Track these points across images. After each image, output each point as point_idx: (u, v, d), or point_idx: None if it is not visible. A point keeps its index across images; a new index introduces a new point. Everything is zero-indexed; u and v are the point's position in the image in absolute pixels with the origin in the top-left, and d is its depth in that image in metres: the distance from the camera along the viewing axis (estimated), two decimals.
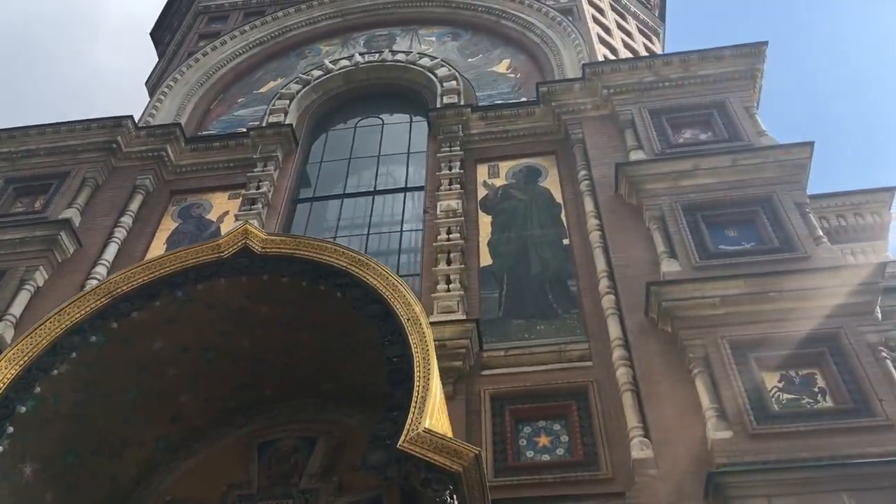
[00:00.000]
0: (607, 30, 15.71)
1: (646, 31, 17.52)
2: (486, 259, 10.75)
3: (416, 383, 5.47)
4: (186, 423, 7.73)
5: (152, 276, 6.83)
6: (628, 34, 16.50)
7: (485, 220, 11.40)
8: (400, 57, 14.93)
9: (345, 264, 6.62)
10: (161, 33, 20.57)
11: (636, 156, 11.05)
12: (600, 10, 16.32)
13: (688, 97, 11.95)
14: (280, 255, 6.86)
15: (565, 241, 10.75)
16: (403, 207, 12.11)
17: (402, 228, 11.71)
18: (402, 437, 5.16)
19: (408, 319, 6.01)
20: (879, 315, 8.52)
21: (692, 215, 9.94)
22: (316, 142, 14.05)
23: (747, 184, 10.19)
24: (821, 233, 9.51)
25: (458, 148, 12.28)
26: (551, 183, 11.84)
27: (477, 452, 5.15)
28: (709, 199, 10.09)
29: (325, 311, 6.89)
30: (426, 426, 5.13)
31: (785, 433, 7.38)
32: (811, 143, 10.45)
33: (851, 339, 8.04)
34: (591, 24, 15.14)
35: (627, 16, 17.27)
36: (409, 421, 5.25)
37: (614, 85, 12.25)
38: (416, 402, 5.32)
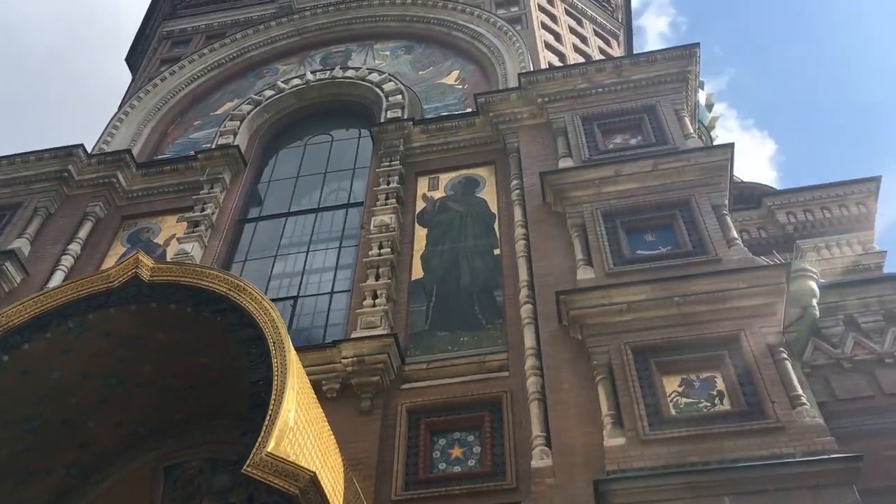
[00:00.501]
0: (558, 36, 15.78)
1: (604, 34, 17.56)
2: (418, 272, 10.89)
3: (269, 407, 5.63)
4: (97, 449, 7.94)
5: (44, 307, 7.04)
6: (583, 39, 16.55)
7: (420, 234, 11.54)
8: (350, 73, 15.11)
9: (224, 290, 6.80)
10: (135, 59, 20.90)
11: (565, 163, 11.13)
12: (552, 17, 16.40)
13: (620, 102, 12.01)
14: (167, 283, 7.05)
15: (496, 252, 10.86)
16: (344, 224, 12.26)
17: (340, 245, 11.86)
18: (247, 462, 5.32)
19: (273, 343, 6.17)
20: (784, 315, 8.58)
21: (612, 221, 10.01)
22: (269, 161, 14.26)
23: (668, 188, 10.25)
24: (735, 234, 9.54)
25: (398, 162, 12.42)
26: (488, 193, 11.95)
27: (312, 474, 5.29)
28: (629, 205, 10.15)
29: (214, 335, 7.07)
30: (269, 450, 5.28)
31: (677, 438, 7.44)
32: (731, 145, 10.50)
33: (751, 341, 8.09)
34: (538, 31, 15.22)
35: (584, 20, 17.32)
36: (256, 445, 5.41)
37: (549, 93, 12.34)
38: (266, 426, 5.47)
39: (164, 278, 7.06)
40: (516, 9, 16.09)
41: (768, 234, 23.63)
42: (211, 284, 6.84)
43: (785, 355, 8.00)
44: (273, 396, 5.72)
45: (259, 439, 5.42)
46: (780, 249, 23.70)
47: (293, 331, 10.51)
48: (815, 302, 11.33)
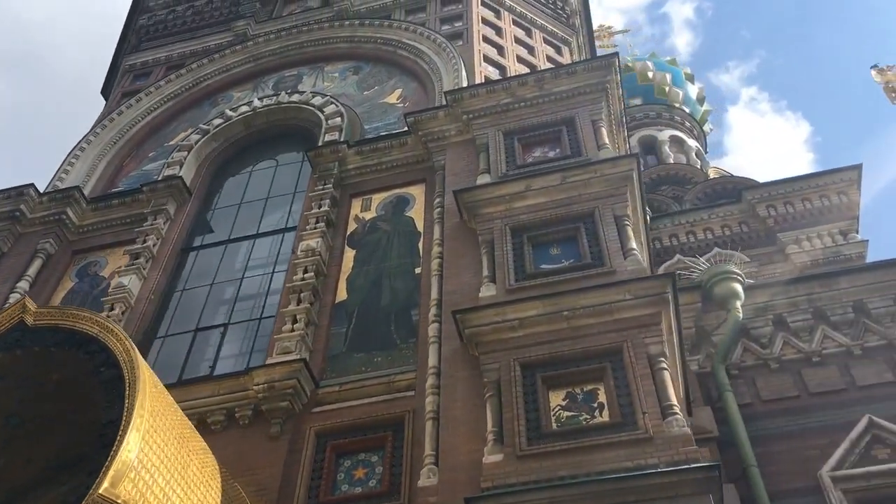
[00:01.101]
0: (500, 49, 15.95)
1: (554, 42, 17.66)
2: (342, 295, 11.16)
3: (113, 448, 5.91)
4: (8, 485, 8.27)
5: None
6: (530, 49, 16.69)
7: (349, 255, 11.81)
8: (295, 98, 15.40)
9: (96, 331, 7.10)
10: (108, 92, 21.45)
11: (482, 180, 11.33)
12: (497, 30, 16.57)
13: (541, 116, 12.17)
14: (48, 327, 7.37)
15: (417, 271, 11.08)
16: (279, 249, 12.55)
17: (273, 271, 12.15)
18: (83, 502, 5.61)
19: (128, 383, 6.46)
20: (670, 323, 8.69)
21: (519, 237, 10.18)
22: (217, 188, 14.60)
23: (574, 200, 10.39)
24: (633, 245, 9.62)
25: (331, 185, 12.69)
26: (416, 212, 12.18)
27: None
28: (537, 219, 10.32)
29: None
30: (100, 491, 5.56)
31: (553, 452, 7.60)
32: (636, 156, 10.64)
33: (633, 353, 8.22)
34: (478, 46, 15.42)
35: (534, 29, 17.45)
36: (93, 486, 5.69)
37: (473, 110, 12.54)
38: (105, 467, 5.75)
39: (46, 322, 7.38)
40: (460, 24, 16.32)
41: (749, 229, 23.70)
42: (84, 326, 7.15)
43: (664, 365, 8.09)
44: (120, 435, 5.99)
45: (98, 480, 5.70)
46: (761, 243, 23.79)
47: (219, 359, 10.88)
48: (738, 304, 11.48)
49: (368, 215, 12.45)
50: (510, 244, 10.03)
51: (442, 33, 16.05)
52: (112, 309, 11.52)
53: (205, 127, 15.33)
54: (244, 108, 15.56)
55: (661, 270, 22.75)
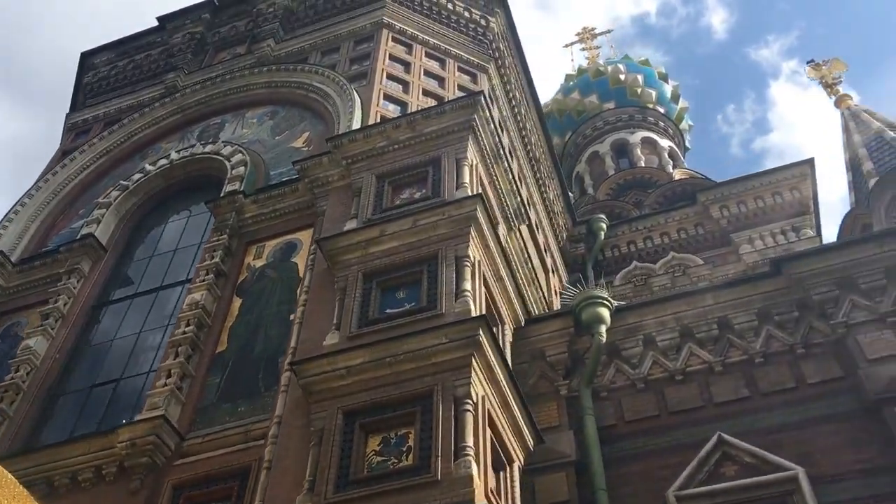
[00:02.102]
0: (406, 85, 16.34)
1: (470, 69, 17.98)
2: (223, 345, 11.71)
3: None
4: None
5: None
6: (441, 81, 17.05)
7: (236, 305, 12.36)
8: (209, 148, 16.00)
9: None
10: None
11: (349, 225, 11.79)
12: (406, 65, 16.97)
13: (412, 157, 12.58)
14: None
15: (291, 318, 11.58)
16: (177, 302, 13.15)
17: (167, 324, 12.76)
18: None
19: None
20: (489, 361, 9.07)
21: (370, 282, 10.62)
22: (135, 243, 15.29)
23: (424, 243, 10.80)
24: (468, 286, 9.97)
25: (226, 235, 13.24)
26: (301, 257, 12.67)
27: None
28: (389, 264, 10.74)
29: None
30: None
31: (356, 499, 8.04)
32: (479, 196, 11.00)
33: (441, 396, 8.61)
34: (378, 85, 15.85)
35: (448, 59, 17.83)
36: None
37: (351, 154, 13.00)
38: None
39: None
40: (367, 63, 16.79)
41: (705, 231, 23.91)
42: None
43: (468, 407, 8.48)
44: None
45: None
46: (717, 244, 23.95)
47: (108, 415, 11.52)
48: (603, 329, 11.79)
49: (259, 263, 12.99)
50: (360, 290, 10.48)
51: (349, 73, 16.56)
52: (17, 371, 12.27)
53: (125, 183, 16.04)
54: (163, 161, 16.24)
55: (618, 278, 23.10)
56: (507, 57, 19.99)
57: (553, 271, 21.36)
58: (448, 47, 18.21)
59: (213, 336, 11.79)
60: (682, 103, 34.86)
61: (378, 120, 14.75)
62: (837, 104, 20.31)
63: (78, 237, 14.86)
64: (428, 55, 17.79)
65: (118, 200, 15.62)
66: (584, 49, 42.74)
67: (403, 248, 10.83)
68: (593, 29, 44.19)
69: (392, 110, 15.42)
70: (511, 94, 20.19)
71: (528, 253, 14.78)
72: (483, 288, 10.65)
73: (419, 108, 15.48)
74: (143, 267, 14.60)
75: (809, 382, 10.63)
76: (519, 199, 13.83)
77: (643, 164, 30.57)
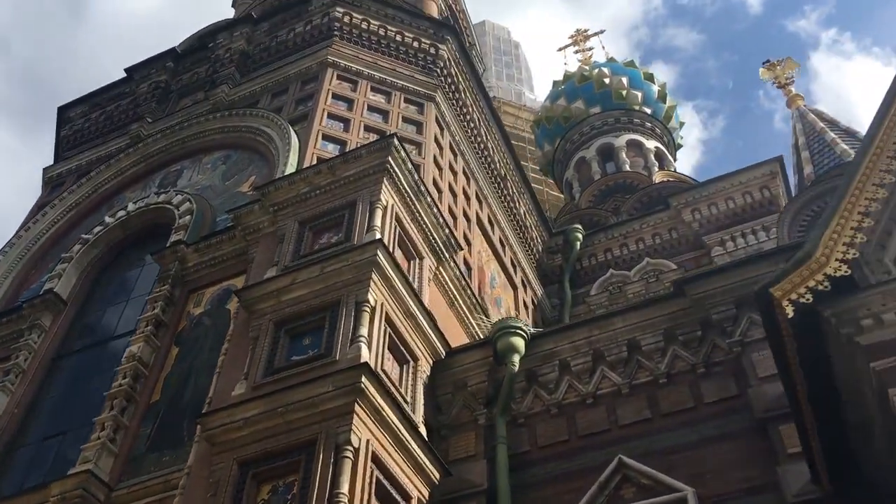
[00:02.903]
0: (347, 123, 16.84)
1: (417, 99, 18.46)
2: (157, 395, 12.37)
3: None
4: None
5: None
6: (385, 115, 17.49)
7: (173, 354, 13.01)
8: (162, 198, 16.69)
9: None
10: None
11: (270, 273, 12.36)
12: (349, 102, 17.47)
13: (332, 201, 13.09)
14: None
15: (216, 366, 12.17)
16: (122, 354, 13.83)
17: (112, 377, 13.43)
18: None
19: None
20: (376, 405, 9.54)
21: (279, 331, 11.17)
22: (93, 295, 16.06)
23: (329, 290, 11.31)
24: (363, 332, 10.46)
25: (168, 285, 13.91)
26: (234, 304, 13.28)
27: None
28: (297, 312, 11.28)
29: None
30: None
31: None
32: (379, 241, 11.48)
33: (323, 443, 9.12)
34: (318, 126, 16.36)
35: (394, 92, 18.27)
36: None
37: (277, 202, 13.56)
38: None
39: None
40: (311, 103, 17.36)
41: (679, 235, 24.14)
42: None
43: (347, 454, 8.96)
44: None
45: None
46: (690, 248, 24.15)
47: (53, 469, 12.23)
48: (516, 358, 12.19)
49: (198, 310, 13.65)
50: (270, 339, 11.04)
51: (293, 115, 17.14)
52: None
53: (86, 236, 16.81)
54: (121, 213, 17.00)
55: (594, 287, 23.37)
56: (460, 82, 20.42)
57: (525, 285, 21.74)
58: (394, 80, 18.69)
59: (149, 386, 12.45)
60: (669, 102, 34.86)
61: (314, 161, 15.28)
62: (789, 104, 20.34)
63: (41, 292, 15.67)
64: (374, 89, 18.29)
65: (79, 254, 16.38)
66: (577, 52, 43.03)
67: (311, 296, 11.36)
68: (586, 31, 44.48)
69: (331, 150, 15.94)
70: (469, 118, 20.64)
71: (465, 280, 15.18)
72: (387, 329, 11.11)
73: (358, 145, 16.02)
74: (100, 318, 15.35)
75: (706, 402, 10.92)
76: (448, 230, 14.23)
77: (628, 168, 30.74)
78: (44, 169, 21.01)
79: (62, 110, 22.30)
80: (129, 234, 16.81)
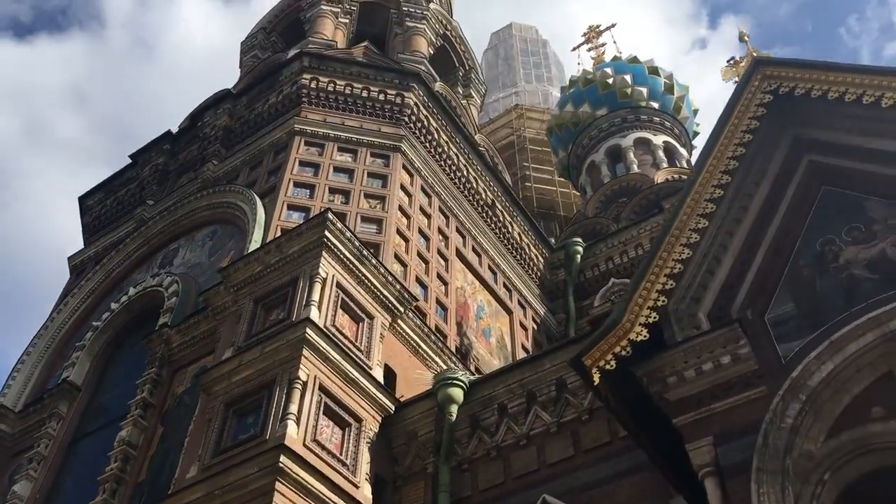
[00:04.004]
0: (312, 189, 18.01)
1: (384, 152, 19.46)
2: (143, 475, 13.79)
3: None
4: None
5: None
6: (350, 174, 18.49)
7: (158, 433, 14.44)
8: (155, 281, 18.19)
9: None
10: None
11: (226, 354, 13.60)
12: (315, 168, 18.59)
13: (281, 278, 14.20)
14: None
15: None
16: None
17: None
18: None
19: None
20: (300, 481, 10.59)
21: (228, 411, 12.38)
22: (106, 378, 17.70)
23: (269, 369, 12.46)
24: (293, 410, 11.52)
25: (154, 368, 15.34)
26: None
27: None
28: (243, 392, 12.47)
29: None
30: None
31: None
32: (307, 320, 12.53)
33: None
34: (284, 197, 17.56)
35: (360, 149, 19.28)
36: None
37: (236, 283, 14.80)
38: None
39: None
40: (279, 173, 18.59)
41: None
42: None
43: None
44: None
45: None
46: None
47: None
48: (454, 409, 13.09)
49: (181, 389, 15.04)
50: (220, 419, 12.26)
51: (265, 187, 18.42)
52: None
53: (96, 323, 18.52)
54: (124, 298, 18.63)
55: (597, 298, 23.79)
56: (431, 123, 21.33)
57: (524, 307, 22.44)
58: (360, 137, 19.76)
59: (137, 467, 13.89)
60: (677, 92, 34.72)
61: (279, 233, 16.48)
62: None
63: (59, 382, 17.42)
64: (341, 149, 19.40)
65: (91, 340, 18.07)
66: (590, 49, 43.12)
67: (255, 375, 12.53)
68: (598, 26, 44.46)
69: (296, 219, 17.10)
70: (445, 155, 21.55)
71: (428, 327, 16.10)
72: (323, 399, 12.15)
73: (321, 210, 17.16)
74: (110, 399, 16.96)
75: (620, 436, 11.46)
76: (399, 286, 15.16)
77: (636, 168, 30.89)
78: (68, 258, 22.95)
79: (82, 199, 24.21)
80: (133, 316, 18.38)
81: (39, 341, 19.71)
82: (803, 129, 9.25)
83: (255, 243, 16.16)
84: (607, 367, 8.00)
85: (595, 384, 8.11)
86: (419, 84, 21.37)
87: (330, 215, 14.26)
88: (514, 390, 13.01)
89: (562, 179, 38.89)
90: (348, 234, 14.50)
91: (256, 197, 17.72)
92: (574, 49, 44.34)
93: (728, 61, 22.66)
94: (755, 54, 11.33)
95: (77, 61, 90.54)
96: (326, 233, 14.13)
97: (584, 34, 44.38)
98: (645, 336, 7.97)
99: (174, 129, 23.52)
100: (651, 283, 8.28)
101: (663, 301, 8.16)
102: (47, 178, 78.48)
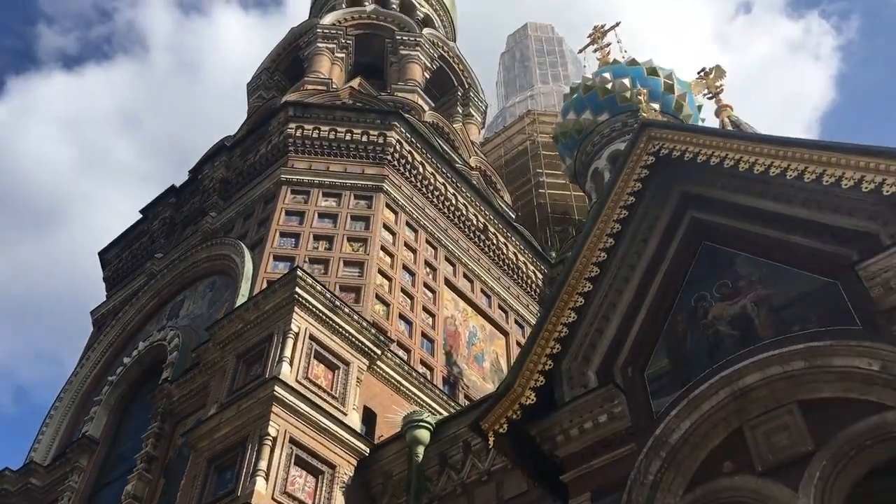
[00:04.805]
0: (297, 238, 19.00)
1: (366, 192, 20.25)
2: None
3: None
4: None
5: None
6: (334, 218, 19.41)
7: (160, 485, 15.62)
8: (160, 335, 19.40)
9: None
10: None
11: (212, 411, 14.67)
12: (300, 216, 19.59)
13: (258, 334, 15.22)
14: None
15: None
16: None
17: None
18: None
19: None
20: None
21: (210, 467, 13.45)
22: (122, 429, 19.00)
23: (244, 425, 13.48)
24: (263, 466, 12.49)
25: (157, 422, 16.54)
26: None
27: None
28: (223, 449, 13.53)
29: None
30: None
31: None
32: (275, 378, 13.49)
33: None
34: (270, 248, 18.56)
35: (344, 192, 20.18)
36: None
37: (222, 339, 15.89)
38: None
39: None
40: (267, 224, 19.64)
41: None
42: None
43: None
44: None
45: None
46: None
47: None
48: (420, 450, 13.95)
49: (181, 441, 16.18)
50: (202, 475, 13.34)
51: (255, 238, 19.51)
52: None
53: (111, 378, 19.86)
54: (135, 353, 19.93)
55: None
56: (415, 157, 22.19)
57: (522, 326, 23.12)
58: (344, 181, 20.71)
59: None
60: (678, 90, 34.77)
61: (265, 285, 17.51)
62: (717, 114, 20.77)
63: (79, 436, 18.78)
64: (325, 195, 20.38)
65: (107, 395, 19.41)
66: (595, 50, 43.33)
67: (233, 432, 13.57)
68: (603, 26, 44.62)
69: (281, 269, 18.09)
70: (431, 186, 22.40)
71: (409, 365, 16.96)
72: (293, 451, 13.11)
73: (305, 259, 18.19)
74: (127, 450, 18.24)
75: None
76: (375, 331, 16.05)
77: None
78: (90, 311, 24.43)
79: (102, 254, 25.69)
80: (144, 369, 19.65)
81: (65, 395, 21.16)
82: (688, 186, 9.80)
83: (242, 297, 17.23)
84: (500, 430, 8.73)
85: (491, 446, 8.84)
86: (400, 122, 22.23)
87: (299, 272, 15.22)
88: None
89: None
90: (319, 287, 15.43)
91: (246, 249, 18.79)
92: (580, 51, 44.60)
93: (698, 73, 23.17)
94: (644, 115, 11.80)
95: (126, 86, 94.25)
96: (297, 289, 15.08)
97: (590, 35, 44.65)
98: (533, 400, 8.69)
99: (186, 174, 24.84)
100: (541, 348, 8.99)
101: (551, 365, 8.86)
102: (106, 202, 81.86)
